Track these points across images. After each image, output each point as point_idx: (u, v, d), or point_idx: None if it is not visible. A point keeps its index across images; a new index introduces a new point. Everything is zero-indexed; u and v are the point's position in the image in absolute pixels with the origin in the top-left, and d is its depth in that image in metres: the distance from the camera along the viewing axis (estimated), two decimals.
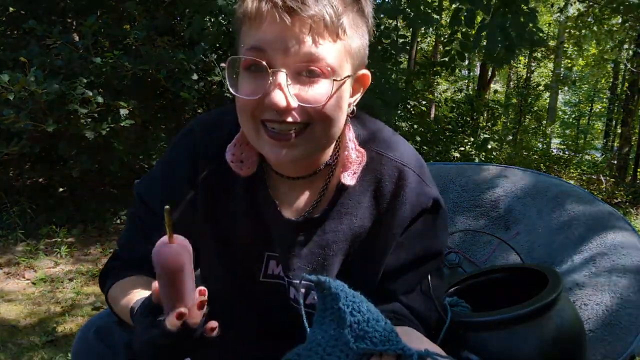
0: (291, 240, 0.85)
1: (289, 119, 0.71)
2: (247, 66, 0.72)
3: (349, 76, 0.75)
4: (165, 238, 0.59)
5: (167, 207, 0.57)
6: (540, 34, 3.17)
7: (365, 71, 0.80)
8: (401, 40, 3.80)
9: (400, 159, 0.84)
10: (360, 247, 0.86)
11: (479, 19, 3.50)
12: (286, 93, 0.69)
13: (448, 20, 4.08)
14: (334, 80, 0.72)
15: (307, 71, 0.70)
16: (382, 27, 3.94)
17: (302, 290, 0.90)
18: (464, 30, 3.70)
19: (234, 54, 0.75)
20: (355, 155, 0.81)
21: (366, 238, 0.86)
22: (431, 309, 0.88)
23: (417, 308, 0.85)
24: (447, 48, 3.90)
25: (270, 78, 0.69)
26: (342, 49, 0.72)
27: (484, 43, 3.09)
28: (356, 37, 0.75)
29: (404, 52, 3.90)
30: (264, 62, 0.69)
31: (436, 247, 0.86)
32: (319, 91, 0.71)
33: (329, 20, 0.68)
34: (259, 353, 1.03)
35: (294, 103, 0.70)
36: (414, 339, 0.69)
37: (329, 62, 0.70)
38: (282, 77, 0.69)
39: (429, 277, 0.88)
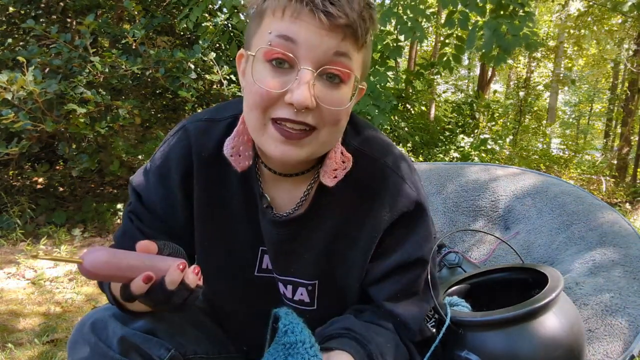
0: (276, 236, 0.86)
1: (304, 120, 0.70)
2: (271, 58, 0.70)
3: (364, 84, 0.78)
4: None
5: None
6: (535, 38, 3.17)
7: (364, 82, 0.82)
8: (396, 44, 3.79)
9: (385, 161, 0.85)
10: (343, 247, 0.87)
11: (473, 19, 3.51)
12: (311, 92, 0.68)
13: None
14: (359, 87, 0.74)
15: (330, 75, 0.71)
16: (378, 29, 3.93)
17: (290, 286, 0.91)
18: (458, 33, 3.70)
19: (237, 50, 0.75)
20: (340, 159, 0.82)
21: (349, 238, 0.86)
22: (417, 314, 0.87)
23: (401, 314, 0.85)
24: (442, 51, 3.92)
25: (297, 75, 0.69)
26: (360, 60, 0.74)
27: (481, 43, 3.10)
28: (369, 50, 0.77)
29: (398, 56, 3.88)
30: (292, 56, 0.68)
31: (419, 254, 0.85)
32: (340, 96, 0.72)
33: (360, 32, 0.70)
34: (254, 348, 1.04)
35: (315, 104, 0.70)
36: None
37: (352, 69, 0.71)
38: (309, 75, 0.68)
39: (416, 283, 0.88)
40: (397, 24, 3.31)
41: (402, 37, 3.52)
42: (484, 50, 3.07)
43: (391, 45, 3.74)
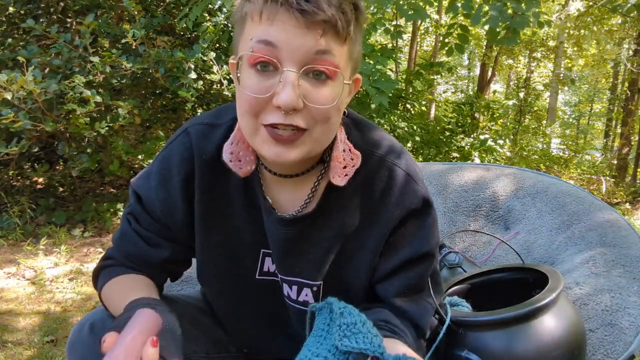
0: (282, 237, 0.86)
1: (294, 122, 0.70)
2: (254, 63, 0.70)
3: (352, 80, 0.77)
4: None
5: None
6: (545, 17, 3.15)
7: (358, 75, 0.81)
8: (395, 27, 3.78)
9: (391, 158, 0.85)
10: (351, 246, 0.87)
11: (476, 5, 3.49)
12: (296, 93, 0.68)
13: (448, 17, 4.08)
14: (345, 83, 0.73)
15: (315, 73, 0.70)
16: (379, 14, 3.94)
17: (294, 287, 0.91)
18: (462, 22, 3.68)
19: (232, 53, 0.74)
20: (348, 157, 0.82)
21: (356, 237, 0.86)
22: (426, 311, 0.87)
23: (410, 311, 0.85)
24: (445, 40, 3.87)
25: (281, 77, 0.68)
26: (346, 54, 0.73)
27: (486, 27, 3.07)
28: (356, 42, 0.75)
29: (399, 38, 3.89)
30: (275, 60, 0.68)
31: (427, 248, 0.86)
32: (327, 93, 0.71)
33: (339, 26, 0.69)
34: (256, 349, 1.04)
35: (302, 104, 0.69)
36: (399, 349, 0.73)
37: (337, 65, 0.71)
38: (292, 76, 0.68)
39: (424, 279, 0.88)
40: (397, 8, 3.30)
41: (402, 22, 3.53)
42: (488, 30, 3.04)
43: (391, 29, 3.74)
